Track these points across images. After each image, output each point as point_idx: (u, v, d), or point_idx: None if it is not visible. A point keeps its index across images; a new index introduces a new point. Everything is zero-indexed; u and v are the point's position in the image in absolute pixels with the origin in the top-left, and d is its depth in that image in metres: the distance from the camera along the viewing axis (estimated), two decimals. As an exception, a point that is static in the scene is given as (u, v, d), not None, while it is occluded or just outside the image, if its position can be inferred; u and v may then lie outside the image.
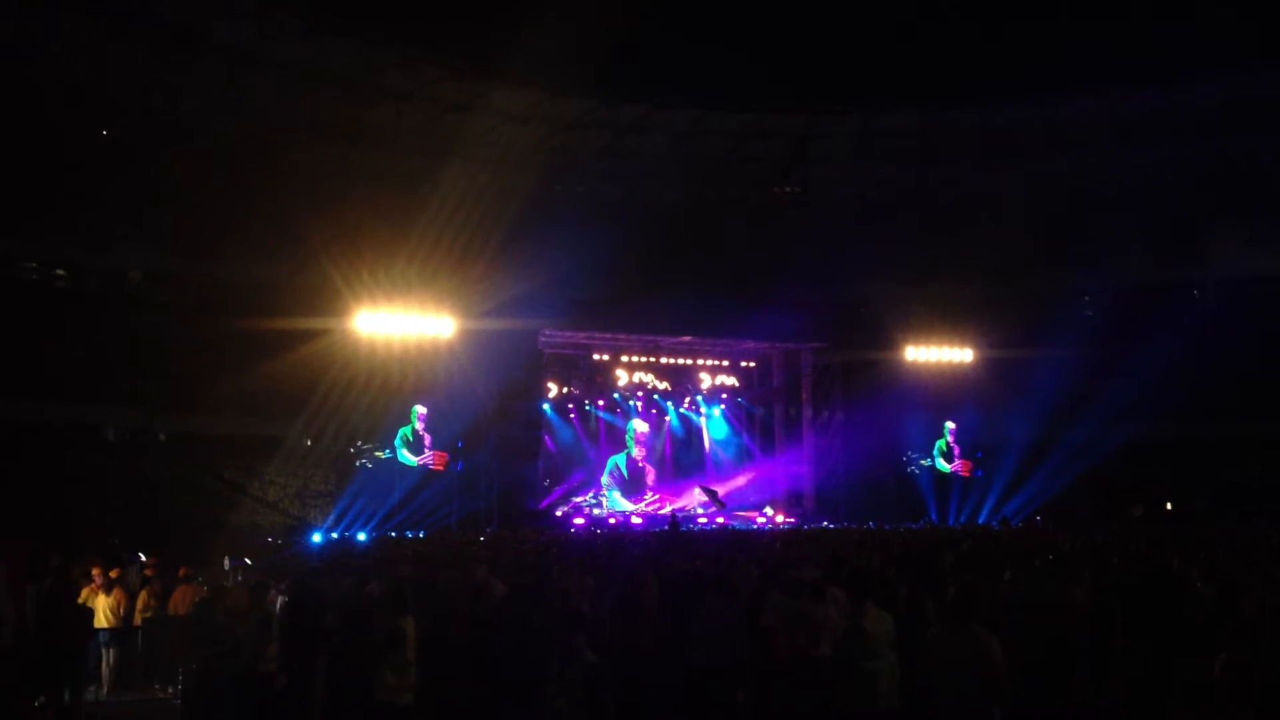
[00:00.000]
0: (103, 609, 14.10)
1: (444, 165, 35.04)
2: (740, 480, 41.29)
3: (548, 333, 36.72)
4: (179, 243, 32.68)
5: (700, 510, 37.49)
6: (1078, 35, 32.72)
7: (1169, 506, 34.53)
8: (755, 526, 35.16)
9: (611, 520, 36.58)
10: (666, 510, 37.12)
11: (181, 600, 14.52)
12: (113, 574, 14.90)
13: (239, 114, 32.89)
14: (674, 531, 24.82)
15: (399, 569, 13.43)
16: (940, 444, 40.23)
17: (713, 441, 42.47)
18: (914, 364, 40.18)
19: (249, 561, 17.59)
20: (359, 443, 33.02)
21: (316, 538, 26.34)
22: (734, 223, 39.63)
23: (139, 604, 14.95)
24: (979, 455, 39.74)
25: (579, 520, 35.89)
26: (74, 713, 10.81)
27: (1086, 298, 40.71)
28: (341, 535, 28.16)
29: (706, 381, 42.57)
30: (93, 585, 14.15)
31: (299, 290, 33.19)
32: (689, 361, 42.25)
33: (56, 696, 10.67)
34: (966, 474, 39.68)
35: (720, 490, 38.50)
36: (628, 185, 39.05)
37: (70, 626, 11.06)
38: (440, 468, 33.75)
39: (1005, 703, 6.91)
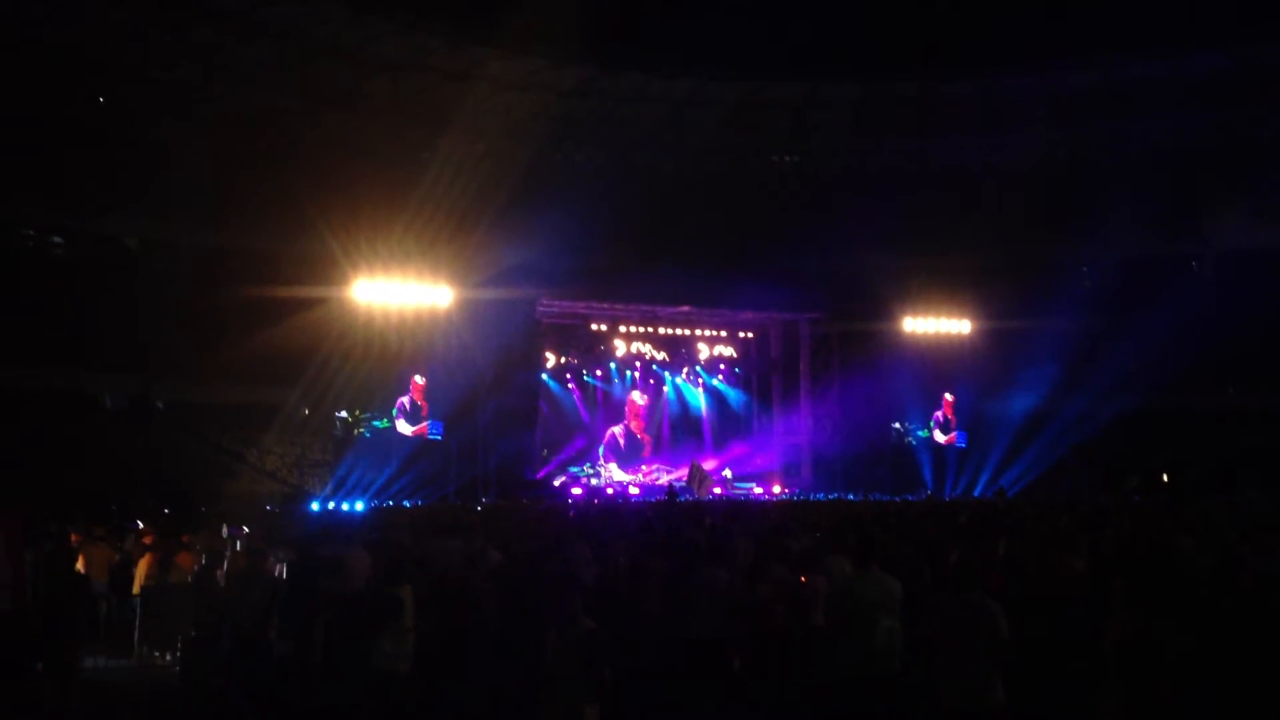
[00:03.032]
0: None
1: (441, 134, 34.89)
2: (737, 451, 41.39)
3: (546, 302, 36.71)
4: (176, 211, 32.55)
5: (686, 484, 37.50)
6: (1079, 5, 32.47)
7: (1165, 478, 34.62)
8: (752, 497, 35.28)
9: (609, 490, 36.68)
10: (664, 481, 37.23)
11: (181, 568, 14.58)
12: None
13: (236, 81, 32.76)
14: (670, 502, 24.91)
15: (397, 538, 13.48)
16: (936, 415, 40.32)
17: (710, 412, 42.50)
18: (912, 335, 40.17)
19: (247, 530, 17.63)
20: (358, 411, 33.04)
21: (314, 506, 26.46)
22: (732, 192, 39.54)
23: (139, 571, 15.01)
24: (975, 426, 39.89)
25: (576, 490, 35.98)
26: (71, 678, 10.85)
27: (1085, 269, 40.67)
28: (339, 504, 28.25)
29: (704, 352, 42.59)
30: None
31: (297, 259, 33.11)
32: (687, 332, 42.24)
33: (55, 662, 10.71)
34: (960, 444, 39.87)
35: (712, 465, 38.62)
36: (626, 155, 38.93)
37: (67, 593, 11.10)
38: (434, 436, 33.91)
39: (1007, 669, 6.98)
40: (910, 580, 8.91)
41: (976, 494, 35.18)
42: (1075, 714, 7.90)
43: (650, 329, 41.44)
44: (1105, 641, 7.58)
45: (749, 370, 43.09)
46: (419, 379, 34.00)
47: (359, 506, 27.47)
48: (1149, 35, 31.81)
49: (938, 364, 40.14)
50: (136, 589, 14.96)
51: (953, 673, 7.05)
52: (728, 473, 39.08)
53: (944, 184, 39.31)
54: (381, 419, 33.44)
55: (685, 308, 40.19)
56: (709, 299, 39.27)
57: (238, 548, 15.37)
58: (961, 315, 40.21)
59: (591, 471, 38.40)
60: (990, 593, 7.32)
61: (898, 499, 29.72)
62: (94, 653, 13.72)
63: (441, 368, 34.60)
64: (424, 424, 33.70)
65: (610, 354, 40.78)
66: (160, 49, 31.19)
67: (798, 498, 33.27)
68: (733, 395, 42.94)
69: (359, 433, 33.08)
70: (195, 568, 14.05)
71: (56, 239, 33.52)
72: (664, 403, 41.95)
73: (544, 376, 38.56)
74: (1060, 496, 27.13)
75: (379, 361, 33.22)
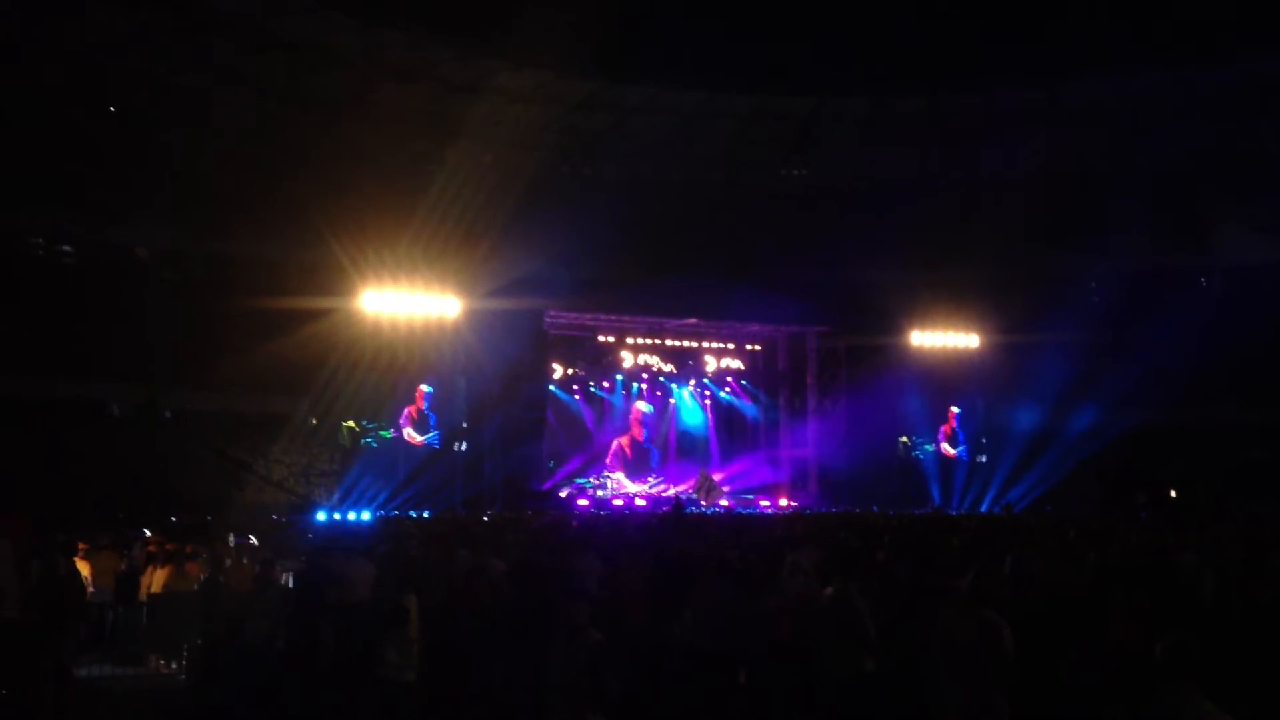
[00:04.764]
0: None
1: (450, 145, 34.99)
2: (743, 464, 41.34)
3: (553, 314, 36.73)
4: (185, 220, 32.71)
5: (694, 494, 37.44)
6: (1086, 17, 32.47)
7: (1172, 493, 34.52)
8: (758, 510, 35.23)
9: (616, 502, 36.65)
10: (670, 492, 37.16)
11: (187, 576, 14.59)
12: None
13: (246, 91, 32.88)
14: (677, 514, 24.86)
15: (403, 547, 13.48)
16: (943, 429, 40.32)
17: (716, 424, 42.44)
18: (919, 349, 40.17)
19: (254, 539, 17.65)
20: (364, 421, 33.14)
21: (321, 516, 26.48)
22: (740, 205, 39.57)
23: (145, 579, 15.03)
24: (983, 441, 39.94)
25: (583, 502, 35.98)
26: (65, 686, 10.87)
27: (1092, 283, 40.61)
28: (346, 514, 28.27)
29: (711, 364, 42.55)
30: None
31: (305, 268, 33.22)
32: (694, 344, 42.23)
33: (57, 668, 10.74)
34: (963, 458, 39.90)
35: (719, 477, 38.54)
36: (634, 167, 38.96)
37: (60, 600, 11.15)
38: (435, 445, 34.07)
39: (1011, 685, 7.02)
40: (912, 593, 8.95)
41: (984, 509, 35.10)
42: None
43: (657, 341, 41.42)
44: (1109, 655, 7.58)
45: (756, 383, 43.05)
46: (425, 388, 34.10)
47: (365, 516, 27.49)
48: (1154, 48, 31.81)
49: (945, 378, 40.15)
50: (143, 596, 14.98)
51: (957, 687, 7.08)
52: (707, 481, 39.04)
53: (950, 197, 39.29)
54: (387, 429, 33.55)
55: (692, 320, 40.20)
56: (716, 311, 39.29)
57: (243, 557, 15.40)
58: (969, 329, 40.22)
59: (598, 483, 38.36)
60: (998, 607, 7.36)
61: (906, 513, 29.64)
62: (99, 661, 13.74)
63: (449, 378, 34.68)
64: (433, 433, 33.89)
65: (617, 365, 40.75)
66: (171, 59, 31.33)
67: (805, 510, 33.18)
68: (739, 408, 42.89)
69: (366, 442, 33.15)
70: (201, 576, 14.07)
71: (66, 248, 33.67)
72: (670, 414, 41.91)
73: (551, 387, 38.54)
74: (1067, 512, 27.05)
75: (387, 372, 33.31)
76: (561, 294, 34.85)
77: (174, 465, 29.18)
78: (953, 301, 39.54)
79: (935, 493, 38.20)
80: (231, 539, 17.28)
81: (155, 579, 14.80)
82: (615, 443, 40.03)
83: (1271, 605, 8.05)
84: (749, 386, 43.01)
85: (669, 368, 41.85)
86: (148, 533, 18.18)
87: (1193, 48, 31.59)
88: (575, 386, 39.98)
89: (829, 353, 40.82)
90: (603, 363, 40.70)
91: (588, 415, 40.04)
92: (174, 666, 13.75)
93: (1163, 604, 7.76)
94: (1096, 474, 34.27)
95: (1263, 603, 8.22)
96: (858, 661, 8.49)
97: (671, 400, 41.93)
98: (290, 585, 12.65)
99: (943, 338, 40.31)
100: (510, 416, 34.83)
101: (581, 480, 38.38)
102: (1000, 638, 7.02)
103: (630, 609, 9.85)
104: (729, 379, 42.83)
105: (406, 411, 34.09)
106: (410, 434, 33.91)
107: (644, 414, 40.76)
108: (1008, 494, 35.16)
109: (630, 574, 10.86)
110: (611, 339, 40.52)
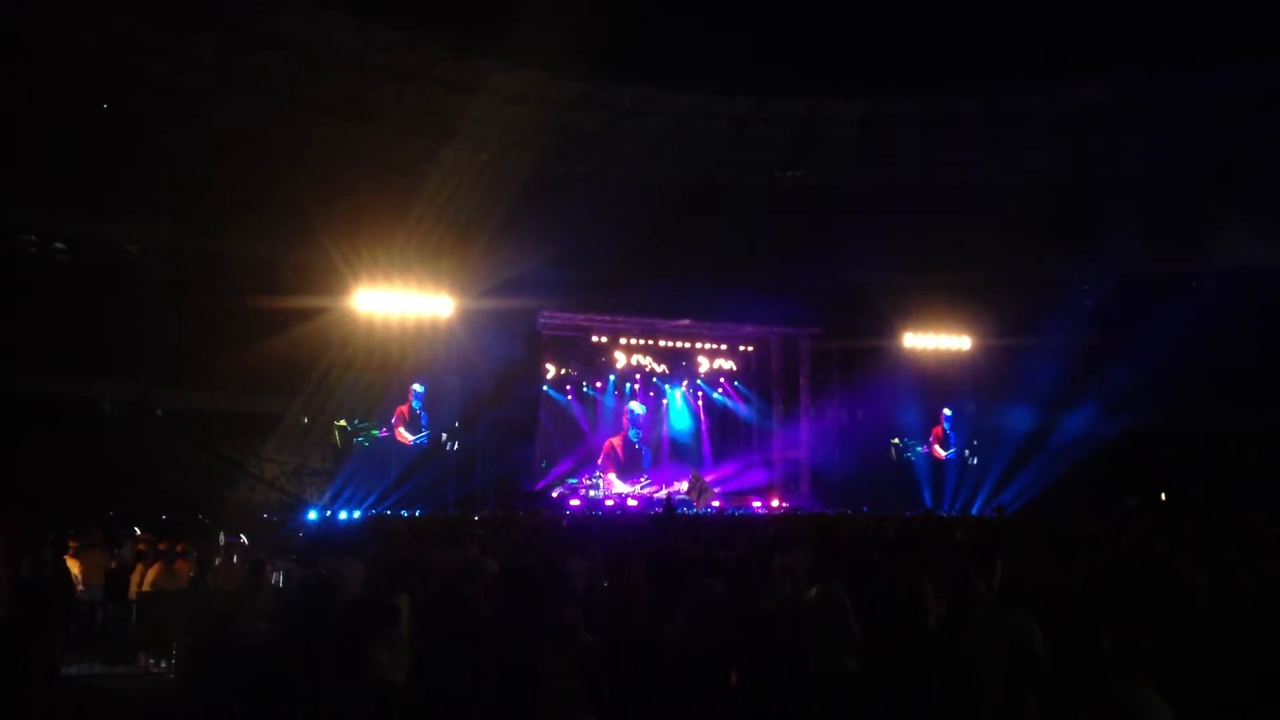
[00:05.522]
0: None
1: (445, 145, 34.95)
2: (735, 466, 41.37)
3: (546, 314, 36.70)
4: (179, 217, 32.60)
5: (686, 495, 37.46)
6: (1081, 22, 32.49)
7: (1164, 497, 34.57)
8: (750, 511, 35.24)
9: (608, 502, 36.65)
10: (662, 494, 37.17)
11: (177, 574, 14.55)
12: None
13: (241, 89, 32.80)
14: (668, 515, 24.88)
15: (394, 547, 13.46)
16: (936, 431, 40.37)
17: (709, 425, 42.46)
18: (912, 351, 40.21)
19: (244, 538, 17.61)
20: (355, 420, 33.13)
21: (312, 515, 26.46)
22: (735, 207, 39.54)
23: (135, 577, 14.99)
24: (974, 443, 40.03)
25: (575, 502, 35.96)
26: (53, 684, 10.84)
27: (1086, 286, 40.65)
28: (337, 514, 28.26)
29: (704, 365, 42.59)
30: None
31: (298, 267, 33.14)
32: (687, 345, 42.25)
33: (46, 665, 10.71)
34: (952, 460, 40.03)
35: (712, 477, 38.57)
36: (629, 167, 38.89)
37: (57, 596, 11.13)
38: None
39: (1043, 688, 7.06)
40: (908, 595, 8.96)
41: (975, 511, 35.15)
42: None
43: (650, 341, 41.44)
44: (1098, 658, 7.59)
45: (749, 384, 43.07)
46: (417, 387, 34.10)
47: (356, 516, 27.48)
48: (1151, 52, 31.84)
49: (938, 380, 40.21)
50: (132, 594, 14.94)
51: (990, 689, 7.15)
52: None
53: (946, 200, 39.32)
54: (378, 428, 33.55)
55: (686, 321, 40.21)
56: (710, 312, 39.30)
57: (233, 556, 15.36)
58: (962, 332, 40.28)
59: (590, 483, 38.34)
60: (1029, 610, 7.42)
61: (898, 515, 29.66)
62: (88, 659, 13.69)
63: (441, 378, 34.66)
64: (425, 433, 33.92)
65: (610, 366, 40.75)
66: (166, 56, 31.26)
67: (797, 512, 33.21)
68: (732, 409, 42.90)
69: (358, 442, 33.13)
70: (190, 575, 14.03)
71: (58, 244, 33.54)
72: (663, 415, 41.93)
73: (544, 388, 38.52)
74: (1059, 514, 27.09)
75: (380, 371, 33.29)
76: (555, 294, 34.85)
77: (165, 463, 29.13)
78: (946, 304, 39.60)
79: (926, 495, 38.28)
80: (222, 538, 17.24)
81: (145, 577, 14.75)
82: (607, 443, 40.03)
83: (1265, 607, 8.05)
84: (742, 388, 43.03)
85: (662, 368, 41.87)
86: (138, 530, 18.14)
87: (1191, 51, 31.60)
88: (568, 387, 39.97)
89: (822, 354, 40.85)
90: (596, 363, 40.71)
91: (580, 416, 40.02)
92: (163, 665, 13.71)
93: (1154, 606, 7.76)
94: (1089, 477, 34.32)
95: (1255, 605, 8.22)
96: (841, 660, 8.53)
97: (664, 401, 41.94)
98: (280, 584, 12.62)
99: (935, 340, 40.36)
100: (503, 416, 34.83)
101: (573, 481, 38.37)
102: (1032, 639, 7.11)
103: (621, 610, 9.83)
104: (722, 380, 42.86)
105: (398, 411, 34.09)
106: (402, 433, 33.93)
107: (636, 415, 40.76)
108: (999, 496, 35.23)
109: (622, 575, 10.84)
110: (605, 339, 40.51)
